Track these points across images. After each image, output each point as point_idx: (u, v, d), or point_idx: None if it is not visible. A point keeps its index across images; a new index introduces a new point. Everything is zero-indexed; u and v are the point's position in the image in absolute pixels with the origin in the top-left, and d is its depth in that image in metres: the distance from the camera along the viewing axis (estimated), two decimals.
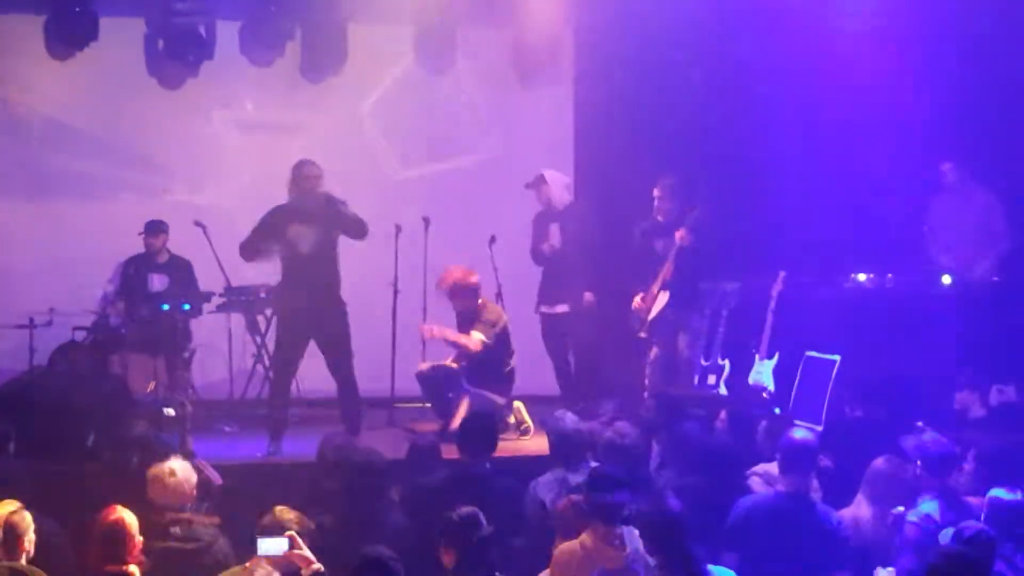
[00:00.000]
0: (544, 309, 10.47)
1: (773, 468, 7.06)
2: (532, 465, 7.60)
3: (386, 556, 5.23)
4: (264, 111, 11.44)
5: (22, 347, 10.03)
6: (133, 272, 10.55)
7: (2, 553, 5.67)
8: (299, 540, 5.77)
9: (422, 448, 7.39)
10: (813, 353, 9.51)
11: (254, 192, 10.95)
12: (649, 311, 10.00)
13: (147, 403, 9.43)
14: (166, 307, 10.01)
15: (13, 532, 5.67)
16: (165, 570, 5.98)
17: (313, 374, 9.37)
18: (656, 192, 10.04)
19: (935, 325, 9.64)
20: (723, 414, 8.28)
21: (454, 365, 9.54)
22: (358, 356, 9.15)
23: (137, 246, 10.60)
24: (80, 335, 10.21)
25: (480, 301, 9.51)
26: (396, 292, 9.98)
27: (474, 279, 9.49)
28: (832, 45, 10.57)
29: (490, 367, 9.44)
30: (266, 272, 10.29)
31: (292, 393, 9.32)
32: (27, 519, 5.77)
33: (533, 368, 10.45)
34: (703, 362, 9.94)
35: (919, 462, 6.41)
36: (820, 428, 8.65)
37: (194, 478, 6.39)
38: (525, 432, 9.54)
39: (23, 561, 5.66)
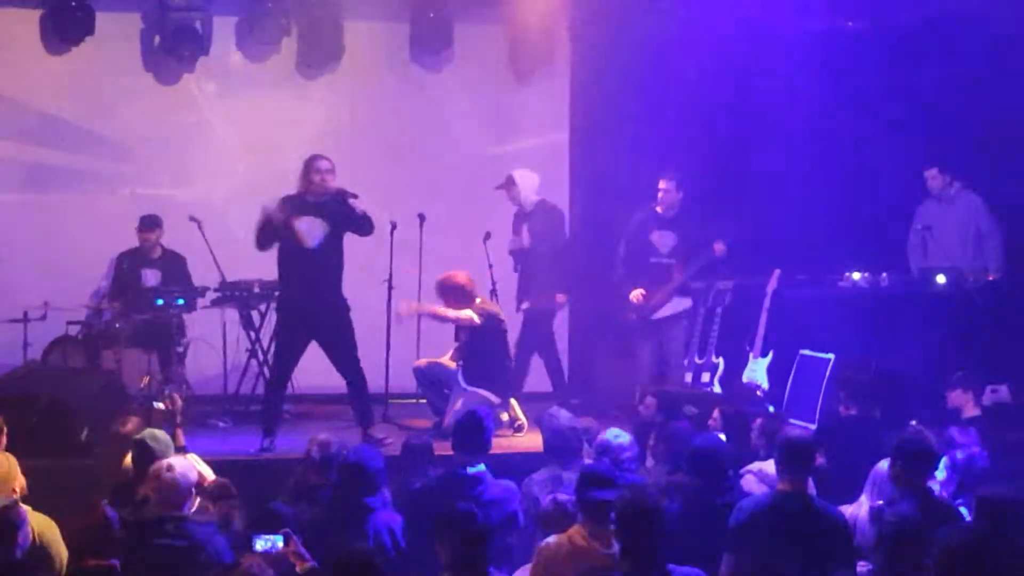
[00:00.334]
0: (521, 307, 10.54)
1: (767, 466, 7.07)
2: (526, 462, 7.60)
3: (367, 554, 5.21)
4: (260, 107, 11.43)
5: (16, 341, 10.02)
6: (127, 267, 10.53)
7: None
8: (294, 538, 5.77)
9: (415, 447, 7.38)
10: (807, 351, 9.52)
11: (249, 187, 10.98)
12: (655, 309, 10.04)
13: (141, 398, 9.45)
14: (160, 302, 10.01)
15: (8, 526, 5.66)
16: (159, 568, 5.96)
17: (309, 369, 9.34)
18: (662, 184, 10.09)
19: (929, 324, 9.66)
20: (716, 412, 8.28)
21: (452, 364, 9.56)
22: None
23: (131, 241, 10.59)
24: (74, 329, 10.23)
25: (478, 300, 9.54)
26: (391, 288, 9.99)
27: (464, 281, 9.45)
28: (828, 44, 10.61)
29: (487, 366, 9.45)
30: (260, 267, 10.30)
31: (287, 389, 9.30)
32: (21, 513, 5.77)
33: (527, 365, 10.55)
34: (697, 360, 9.96)
35: (898, 460, 6.39)
36: (814, 426, 8.67)
37: (193, 475, 6.36)
38: (519, 429, 9.55)
39: (18, 555, 5.65)
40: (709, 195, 10.47)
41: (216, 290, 10.44)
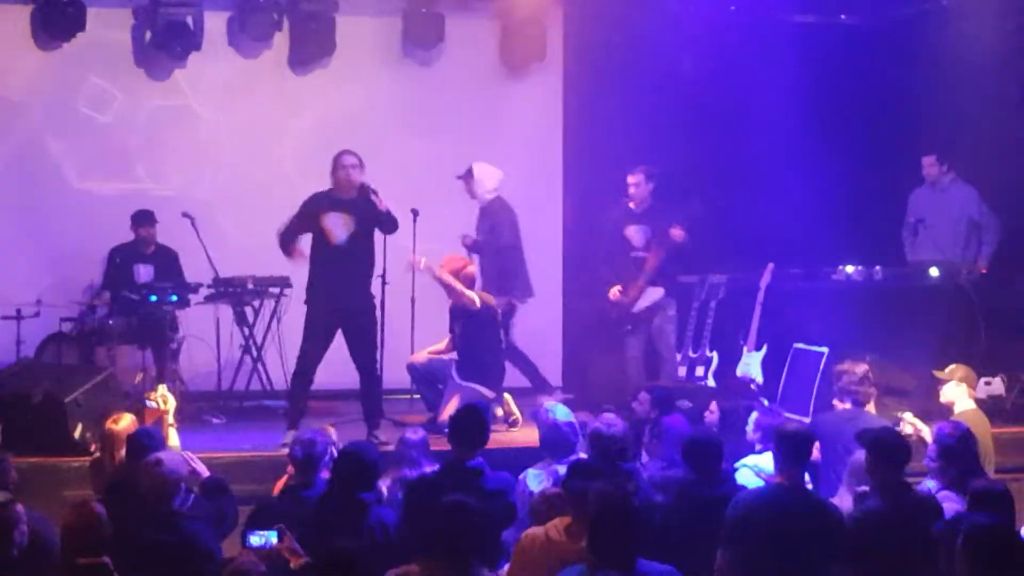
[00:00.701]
0: None
1: (761, 460, 7.08)
2: (522, 457, 7.60)
3: (351, 550, 5.18)
4: (252, 102, 11.40)
5: (9, 339, 9.98)
6: (119, 262, 10.51)
7: None
8: (288, 533, 5.76)
9: (411, 442, 7.37)
10: (801, 345, 9.53)
11: (241, 183, 10.97)
12: (634, 303, 10.02)
13: (135, 395, 9.43)
14: (154, 298, 9.99)
15: (4, 524, 5.64)
16: (150, 564, 5.93)
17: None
18: (631, 179, 10.05)
19: (922, 317, 9.66)
20: (714, 405, 8.28)
21: (446, 358, 9.57)
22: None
23: (124, 237, 10.57)
24: (67, 327, 10.19)
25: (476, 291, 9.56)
26: (384, 283, 9.95)
27: (474, 272, 9.56)
28: (821, 39, 10.62)
29: (481, 360, 9.46)
30: (252, 263, 10.31)
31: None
32: (18, 511, 5.75)
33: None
34: (691, 354, 9.96)
35: (869, 455, 6.35)
36: (808, 420, 8.66)
37: (183, 470, 6.34)
38: (514, 424, 9.56)
39: (15, 553, 5.63)
40: (702, 188, 10.47)
41: (210, 286, 10.43)
